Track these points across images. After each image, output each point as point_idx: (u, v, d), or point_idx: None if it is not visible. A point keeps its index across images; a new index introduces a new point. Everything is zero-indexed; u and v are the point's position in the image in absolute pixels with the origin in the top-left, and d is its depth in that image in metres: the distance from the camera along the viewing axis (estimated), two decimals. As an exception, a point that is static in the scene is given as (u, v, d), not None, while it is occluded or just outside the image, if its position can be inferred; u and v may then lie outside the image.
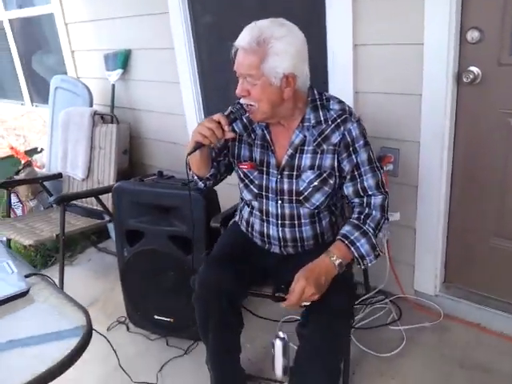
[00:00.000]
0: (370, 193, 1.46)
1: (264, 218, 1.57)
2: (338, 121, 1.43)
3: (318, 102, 1.47)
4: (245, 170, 1.56)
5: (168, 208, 1.92)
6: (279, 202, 1.52)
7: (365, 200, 1.46)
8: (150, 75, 2.84)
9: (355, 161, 1.44)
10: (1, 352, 1.00)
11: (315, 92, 1.49)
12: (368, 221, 1.42)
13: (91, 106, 2.93)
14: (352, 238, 1.39)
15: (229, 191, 1.93)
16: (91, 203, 2.60)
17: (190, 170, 1.54)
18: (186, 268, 1.87)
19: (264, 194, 1.55)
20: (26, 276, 1.24)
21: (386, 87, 1.89)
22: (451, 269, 2.04)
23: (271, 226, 1.56)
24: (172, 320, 2.00)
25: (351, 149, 1.43)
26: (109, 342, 1.58)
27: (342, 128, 1.43)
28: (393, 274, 2.08)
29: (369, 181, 1.45)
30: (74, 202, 2.67)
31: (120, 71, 2.92)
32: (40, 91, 3.91)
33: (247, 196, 1.60)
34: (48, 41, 3.59)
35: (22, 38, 3.95)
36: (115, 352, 1.62)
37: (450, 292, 2.03)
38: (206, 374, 1.71)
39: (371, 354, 1.86)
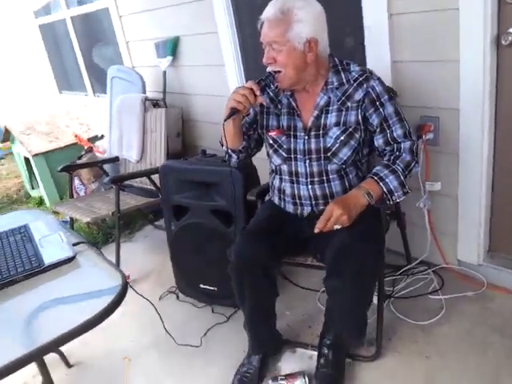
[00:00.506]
0: (399, 140, 1.55)
1: (294, 179, 1.65)
2: (360, 79, 1.54)
3: (340, 67, 1.57)
4: (273, 135, 1.66)
5: (209, 184, 2.02)
6: (307, 161, 1.60)
7: (395, 146, 1.56)
8: (197, 60, 2.94)
9: (383, 114, 1.54)
10: (47, 309, 1.14)
11: (335, 59, 1.58)
12: (398, 161, 1.52)
13: (144, 92, 3.09)
14: (381, 174, 1.50)
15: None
16: (145, 183, 2.77)
17: (225, 139, 1.62)
18: (228, 240, 1.95)
19: (293, 156, 1.63)
20: (74, 244, 1.39)
21: (424, 55, 1.85)
22: (495, 238, 1.97)
23: (301, 186, 1.64)
24: (216, 288, 2.11)
25: (378, 103, 1.53)
26: (154, 306, 1.71)
27: (364, 85, 1.53)
28: (435, 245, 2.05)
29: (398, 131, 1.55)
30: (131, 182, 2.86)
31: (170, 58, 3.05)
32: (101, 82, 4.17)
33: (277, 161, 1.68)
34: (105, 34, 3.81)
35: (82, 33, 4.22)
36: (160, 316, 1.76)
37: (493, 261, 1.97)
38: (245, 339, 1.80)
39: (408, 321, 1.87)
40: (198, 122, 3.21)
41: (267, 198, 1.88)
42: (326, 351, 1.68)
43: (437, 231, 2.04)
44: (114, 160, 3.07)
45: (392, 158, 1.54)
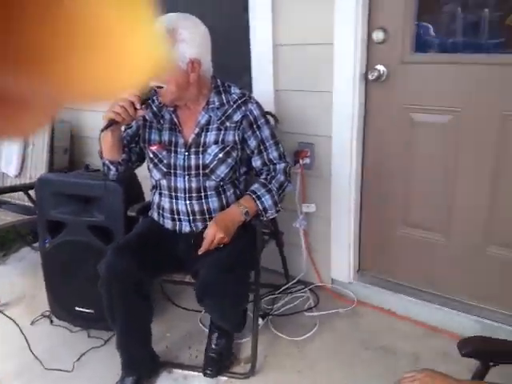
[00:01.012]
0: (275, 162, 1.68)
1: (173, 194, 1.66)
2: (239, 102, 1.63)
3: (221, 88, 1.64)
4: (154, 150, 1.66)
5: (88, 198, 1.94)
6: (186, 177, 1.63)
7: (271, 167, 1.68)
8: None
9: (260, 137, 1.64)
10: None
11: (218, 80, 1.64)
12: (273, 181, 1.65)
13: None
14: (259, 193, 1.61)
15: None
16: (23, 200, 2.58)
17: (101, 152, 1.61)
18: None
19: (172, 171, 1.65)
20: None
21: (302, 85, 1.98)
22: (364, 257, 2.14)
23: (180, 201, 1.66)
24: (92, 311, 2.01)
25: (255, 126, 1.63)
26: (19, 327, 1.59)
27: (243, 108, 1.62)
28: (311, 264, 2.16)
29: (274, 153, 1.67)
30: (8, 199, 2.65)
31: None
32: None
33: (156, 175, 1.68)
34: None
35: None
36: (26, 338, 1.63)
37: (363, 279, 2.12)
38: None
39: (284, 338, 1.93)
40: (89, 139, 3.10)
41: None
42: (212, 338, 1.81)
43: (312, 251, 2.16)
44: (-11, 174, 2.83)
45: (268, 177, 1.66)
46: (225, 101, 1.63)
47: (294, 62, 1.98)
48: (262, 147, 1.65)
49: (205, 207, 1.65)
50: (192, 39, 1.48)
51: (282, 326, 1.99)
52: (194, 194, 1.64)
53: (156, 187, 1.73)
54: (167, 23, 1.46)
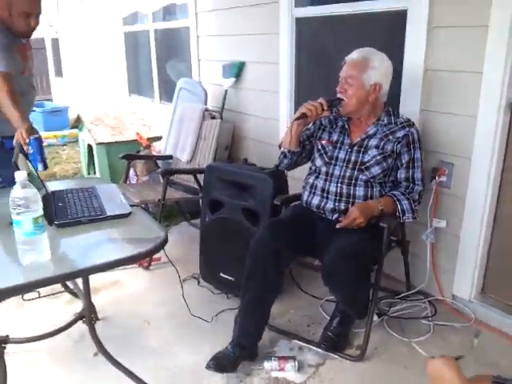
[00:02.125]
0: (416, 182, 1.97)
1: (328, 178, 2.02)
2: (405, 124, 1.99)
3: (391, 112, 2.00)
4: (323, 143, 2.08)
5: (245, 185, 2.34)
6: (344, 167, 1.98)
7: (410, 185, 1.98)
8: (256, 84, 3.33)
9: (412, 155, 1.96)
10: (102, 244, 1.47)
11: (389, 107, 2.02)
12: (411, 195, 1.96)
13: (205, 104, 3.49)
14: (398, 197, 1.93)
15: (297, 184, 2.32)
16: (190, 181, 3.13)
17: (288, 138, 2.05)
18: (251, 237, 2.25)
19: (333, 162, 2.03)
20: (130, 206, 1.73)
21: (447, 108, 2.12)
22: (490, 279, 2.18)
23: (332, 184, 2.00)
24: (233, 279, 2.40)
25: (411, 146, 1.96)
26: (177, 272, 2.04)
27: (407, 129, 1.96)
28: (434, 277, 2.27)
29: (418, 174, 1.98)
30: (178, 180, 3.23)
31: (233, 79, 3.46)
32: (168, 91, 4.65)
33: (318, 163, 2.06)
34: (182, 49, 4.30)
35: (161, 45, 4.74)
36: (182, 284, 2.06)
37: (485, 300, 2.17)
38: None
39: (396, 337, 2.09)
40: (246, 139, 3.57)
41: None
42: (333, 321, 2.06)
43: (437, 265, 2.26)
44: (168, 158, 3.47)
45: (406, 191, 1.96)
46: (393, 121, 1.99)
47: (442, 86, 2.12)
48: (410, 164, 1.96)
49: (351, 192, 1.96)
50: (380, 68, 1.92)
51: (395, 326, 2.15)
52: (345, 180, 1.97)
53: (314, 172, 2.09)
54: (364, 53, 1.94)
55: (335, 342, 2.01)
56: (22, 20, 2.11)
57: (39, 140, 1.92)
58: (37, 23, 2.18)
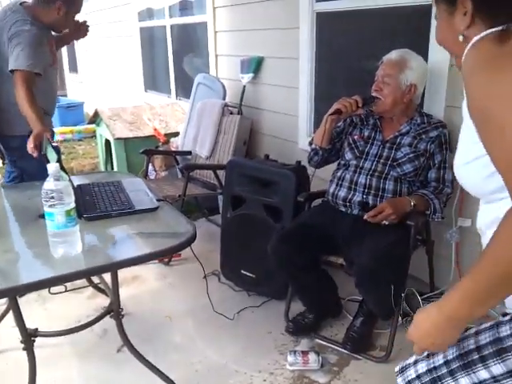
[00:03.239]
0: (446, 183, 1.96)
1: (357, 170, 2.00)
2: (438, 124, 1.98)
3: (424, 113, 1.99)
4: (355, 138, 2.07)
5: (267, 182, 2.33)
6: (375, 162, 1.97)
7: (440, 186, 1.96)
8: (275, 80, 3.30)
9: (445, 156, 1.95)
10: (130, 238, 1.46)
11: (422, 109, 2.01)
12: (439, 196, 1.95)
13: (224, 100, 3.48)
14: (430, 196, 1.92)
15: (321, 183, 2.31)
16: (210, 178, 3.12)
17: (320, 134, 2.04)
18: (274, 234, 2.24)
19: (364, 156, 2.01)
20: (157, 200, 1.72)
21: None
22: (515, 280, 2.13)
23: (361, 176, 1.98)
24: (254, 276, 2.39)
25: (444, 146, 1.96)
26: (201, 265, 2.04)
27: (440, 129, 1.96)
28: (458, 277, 2.23)
29: (448, 176, 1.96)
30: (197, 176, 3.23)
31: (251, 75, 3.43)
32: (184, 87, 4.64)
33: (349, 156, 2.05)
34: (199, 45, 4.28)
35: (178, 41, 4.73)
36: (206, 281, 2.05)
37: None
38: (271, 326, 2.14)
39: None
40: (264, 135, 3.55)
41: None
42: (357, 322, 2.05)
43: (461, 265, 2.23)
44: (187, 153, 3.46)
45: (435, 191, 1.95)
46: (425, 121, 1.99)
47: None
48: (442, 165, 1.96)
49: (381, 185, 1.94)
50: (417, 69, 1.92)
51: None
52: (376, 174, 1.96)
53: (344, 165, 2.07)
54: (403, 53, 1.95)
55: (359, 342, 1.99)
56: (71, 19, 2.28)
57: (57, 149, 1.92)
58: None
